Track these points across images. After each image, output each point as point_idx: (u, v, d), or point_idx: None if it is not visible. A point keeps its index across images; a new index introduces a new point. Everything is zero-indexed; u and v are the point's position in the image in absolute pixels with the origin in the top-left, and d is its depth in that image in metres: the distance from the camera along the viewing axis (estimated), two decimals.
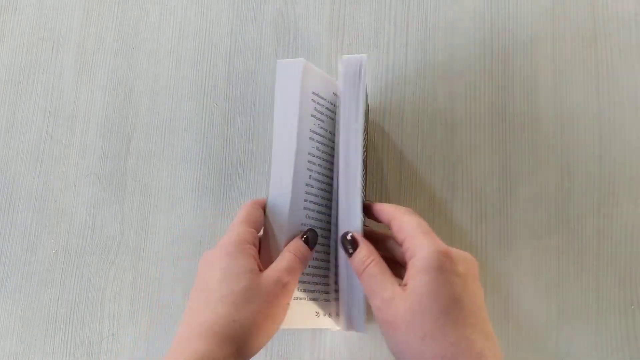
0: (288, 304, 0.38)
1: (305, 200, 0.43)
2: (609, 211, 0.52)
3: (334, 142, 0.46)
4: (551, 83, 0.54)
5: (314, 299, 0.43)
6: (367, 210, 0.42)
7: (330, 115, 0.45)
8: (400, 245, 0.37)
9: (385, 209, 0.39)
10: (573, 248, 0.52)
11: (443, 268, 0.32)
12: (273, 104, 0.42)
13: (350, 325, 0.42)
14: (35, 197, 0.56)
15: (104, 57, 0.59)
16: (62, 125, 0.58)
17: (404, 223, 0.37)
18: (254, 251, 0.39)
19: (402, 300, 0.32)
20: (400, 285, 0.34)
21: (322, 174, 0.44)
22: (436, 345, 0.30)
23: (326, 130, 0.45)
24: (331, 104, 0.45)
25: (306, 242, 0.41)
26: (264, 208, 0.42)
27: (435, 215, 0.53)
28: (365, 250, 0.37)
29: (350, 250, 0.38)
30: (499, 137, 0.54)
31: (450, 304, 0.32)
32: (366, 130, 0.49)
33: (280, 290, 0.37)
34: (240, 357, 0.35)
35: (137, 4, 0.59)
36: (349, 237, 0.39)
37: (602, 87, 0.54)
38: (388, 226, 0.39)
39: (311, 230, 0.42)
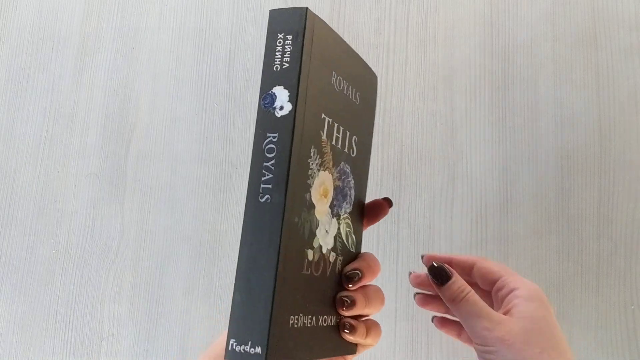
0: None
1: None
2: (609, 211, 0.52)
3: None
4: (551, 83, 0.54)
5: None
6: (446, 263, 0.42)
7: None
8: (490, 283, 0.41)
9: (463, 257, 0.42)
10: (573, 248, 0.52)
11: (544, 300, 0.38)
12: None
13: None
14: (35, 197, 0.56)
15: (104, 57, 0.59)
16: (62, 125, 0.58)
17: (492, 265, 0.41)
18: None
19: (513, 323, 0.36)
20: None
21: None
22: (554, 358, 0.35)
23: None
24: None
25: None
26: None
27: (435, 215, 0.53)
28: (460, 280, 0.39)
29: (442, 280, 0.39)
30: (499, 137, 0.54)
31: (555, 327, 0.37)
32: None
33: None
34: None
35: (137, 4, 0.59)
36: (438, 266, 0.39)
37: (602, 87, 0.54)
38: (463, 270, 0.42)
39: None
